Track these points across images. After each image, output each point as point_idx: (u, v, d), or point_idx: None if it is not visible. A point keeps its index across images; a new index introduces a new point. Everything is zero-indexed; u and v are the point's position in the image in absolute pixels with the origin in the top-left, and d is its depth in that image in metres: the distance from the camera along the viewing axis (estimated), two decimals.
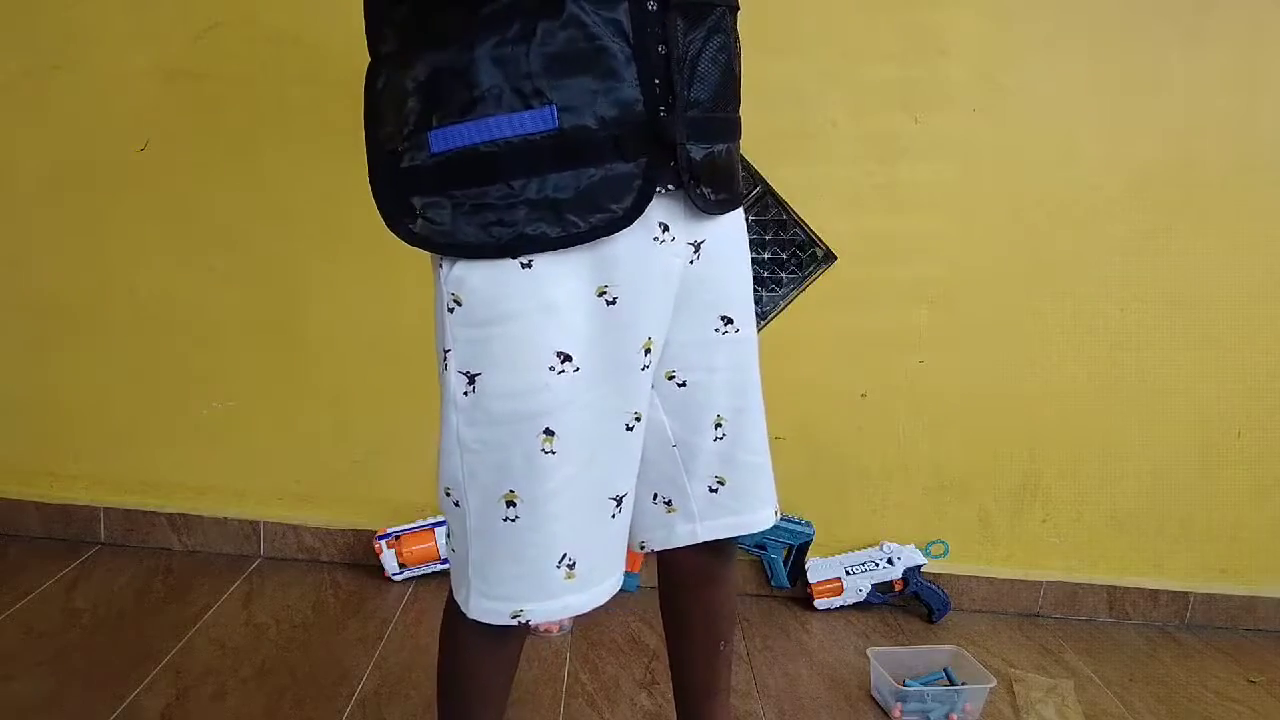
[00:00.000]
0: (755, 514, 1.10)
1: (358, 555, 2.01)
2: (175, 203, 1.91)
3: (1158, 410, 1.97)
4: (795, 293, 1.93)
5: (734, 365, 1.06)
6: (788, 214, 1.89)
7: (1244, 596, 2.05)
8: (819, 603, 1.98)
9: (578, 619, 1.83)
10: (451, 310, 0.90)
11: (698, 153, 0.94)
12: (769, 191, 1.88)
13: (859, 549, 2.00)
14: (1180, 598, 2.05)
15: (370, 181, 0.94)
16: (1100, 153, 1.88)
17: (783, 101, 1.84)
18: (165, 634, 1.69)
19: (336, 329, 1.95)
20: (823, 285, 1.93)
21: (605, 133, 0.87)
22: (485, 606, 0.93)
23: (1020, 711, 1.66)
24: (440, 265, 0.91)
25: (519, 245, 0.87)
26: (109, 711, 1.45)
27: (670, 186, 0.93)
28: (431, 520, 1.96)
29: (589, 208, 0.87)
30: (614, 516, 0.97)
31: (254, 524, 2.02)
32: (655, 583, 1.24)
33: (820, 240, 1.91)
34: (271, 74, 1.84)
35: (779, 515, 1.14)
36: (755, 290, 1.13)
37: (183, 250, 1.92)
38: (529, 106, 0.85)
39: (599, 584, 0.97)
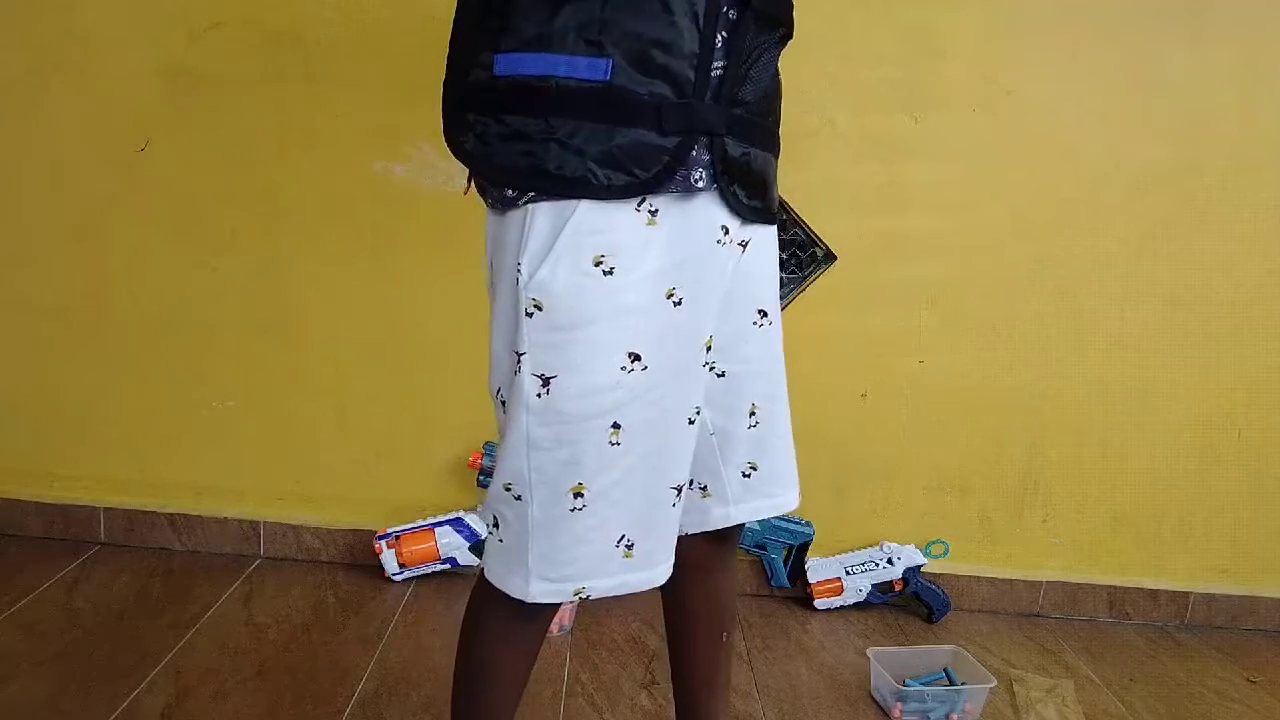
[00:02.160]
0: (784, 495, 1.17)
1: (358, 555, 2.01)
2: (175, 203, 1.91)
3: (1158, 410, 1.97)
4: (795, 293, 1.93)
5: (766, 355, 1.11)
6: (788, 214, 1.89)
7: (1244, 596, 2.05)
8: (819, 603, 1.98)
9: (578, 619, 1.83)
10: (530, 315, 0.91)
11: (735, 149, 0.96)
12: None
13: (859, 549, 2.00)
14: (1180, 598, 2.05)
15: (443, 90, 0.96)
16: (1100, 153, 1.88)
17: (783, 101, 1.84)
18: (165, 634, 1.69)
19: (336, 329, 1.94)
20: (823, 285, 1.93)
21: (652, 101, 0.88)
22: (547, 588, 0.96)
23: (1020, 711, 1.66)
24: (519, 270, 0.91)
25: (536, 179, 0.89)
26: (109, 711, 1.45)
27: (701, 184, 0.94)
28: (431, 520, 1.96)
29: (613, 165, 0.89)
30: (674, 505, 1.01)
31: (254, 524, 2.02)
32: None
33: (820, 240, 1.91)
34: (271, 74, 1.84)
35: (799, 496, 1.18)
36: None
37: (183, 250, 1.93)
38: (588, 54, 0.87)
39: (656, 566, 1.00)
